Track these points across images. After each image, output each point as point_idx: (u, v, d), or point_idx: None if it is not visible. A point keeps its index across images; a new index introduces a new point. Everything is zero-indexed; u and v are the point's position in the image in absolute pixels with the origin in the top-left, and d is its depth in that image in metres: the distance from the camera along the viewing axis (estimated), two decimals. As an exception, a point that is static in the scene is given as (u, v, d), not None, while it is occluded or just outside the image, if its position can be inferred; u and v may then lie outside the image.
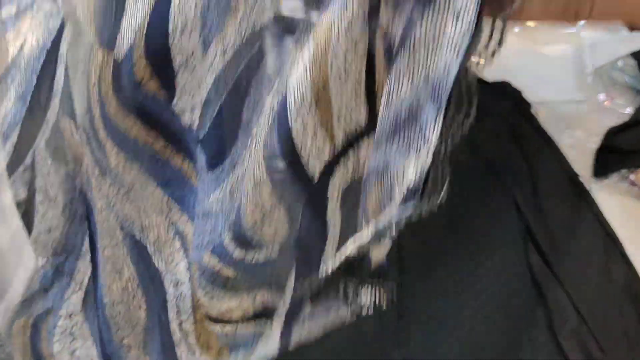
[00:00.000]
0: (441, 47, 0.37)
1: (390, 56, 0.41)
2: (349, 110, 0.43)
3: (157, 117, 0.48)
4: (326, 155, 0.45)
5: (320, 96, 0.43)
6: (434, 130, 0.39)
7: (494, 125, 0.74)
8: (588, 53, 1.34)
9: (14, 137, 0.53)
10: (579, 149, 1.23)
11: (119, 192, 0.49)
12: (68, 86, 0.52)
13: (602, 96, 1.33)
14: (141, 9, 0.47)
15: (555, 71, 1.35)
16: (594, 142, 1.25)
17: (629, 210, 1.16)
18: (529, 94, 1.21)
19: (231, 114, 0.47)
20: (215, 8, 0.45)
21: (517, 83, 1.23)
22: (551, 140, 1.20)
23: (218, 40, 0.45)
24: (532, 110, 1.22)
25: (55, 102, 0.53)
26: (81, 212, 0.52)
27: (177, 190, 0.49)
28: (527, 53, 1.31)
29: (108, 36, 0.49)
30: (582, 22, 1.41)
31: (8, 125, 0.52)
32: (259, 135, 0.46)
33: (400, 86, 0.40)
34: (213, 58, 0.46)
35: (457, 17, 0.37)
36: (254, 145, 0.46)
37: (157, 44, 0.47)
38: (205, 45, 0.46)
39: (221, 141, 0.47)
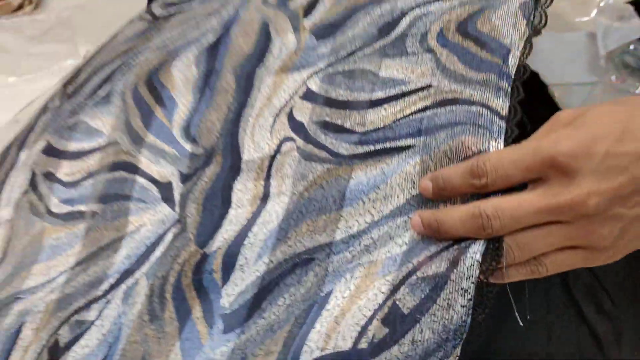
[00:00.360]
0: (455, 309, 0.51)
1: (396, 320, 0.53)
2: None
3: (209, 296, 0.63)
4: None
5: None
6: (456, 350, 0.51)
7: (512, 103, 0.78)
8: (601, 38, 1.37)
9: (110, 280, 0.69)
10: (592, 126, 1.27)
11: (156, 336, 0.62)
12: (157, 257, 0.67)
13: (613, 78, 1.36)
14: (233, 229, 0.65)
15: (570, 55, 1.39)
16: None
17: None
18: (545, 76, 1.25)
19: (256, 303, 0.61)
20: (274, 236, 0.62)
21: (534, 66, 1.26)
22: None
23: (268, 255, 0.62)
24: (548, 91, 1.25)
25: (146, 266, 0.68)
26: (111, 340, 0.63)
27: (188, 344, 0.61)
28: (544, 38, 1.34)
29: (203, 240, 0.66)
30: (595, 11, 1.44)
31: (115, 271, 0.68)
32: (268, 317, 0.60)
33: (423, 335, 0.51)
34: (259, 266, 0.62)
35: (464, 294, 0.51)
36: (261, 325, 0.60)
37: (233, 252, 0.64)
38: (259, 256, 0.62)
39: (240, 320, 0.61)
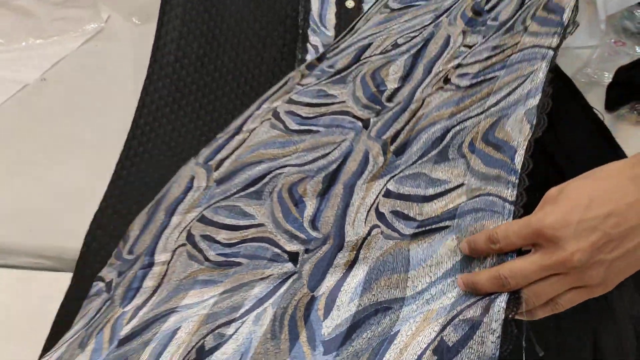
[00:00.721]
0: (487, 344, 0.66)
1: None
2: None
3: (312, 326, 0.80)
4: None
5: None
6: None
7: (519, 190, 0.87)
8: (601, 2, 1.39)
9: (246, 307, 0.87)
10: (592, 86, 1.30)
11: (274, 351, 0.80)
12: (280, 293, 0.86)
13: (613, 41, 1.39)
14: (333, 279, 0.85)
15: (572, 19, 1.41)
16: (606, 80, 1.32)
17: (637, 137, 1.24)
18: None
19: (348, 334, 0.78)
20: (361, 285, 0.81)
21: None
22: (568, 79, 1.29)
23: (357, 300, 0.80)
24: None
25: (272, 299, 0.86)
26: (243, 351, 0.81)
27: None
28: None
29: (313, 285, 0.85)
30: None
31: (250, 301, 0.87)
32: (355, 346, 0.77)
33: None
34: (351, 307, 0.80)
35: (493, 333, 0.66)
36: (350, 352, 0.77)
37: (333, 297, 0.82)
38: (351, 300, 0.81)
39: (336, 345, 0.78)
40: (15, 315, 1.01)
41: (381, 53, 1.16)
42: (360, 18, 1.30)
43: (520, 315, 0.70)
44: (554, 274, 0.69)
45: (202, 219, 0.98)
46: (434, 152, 0.89)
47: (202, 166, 1.07)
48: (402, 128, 0.98)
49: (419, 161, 0.90)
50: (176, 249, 0.96)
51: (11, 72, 1.40)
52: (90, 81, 1.40)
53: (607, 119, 1.25)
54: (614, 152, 1.20)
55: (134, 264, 0.96)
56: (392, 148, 0.96)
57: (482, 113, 0.88)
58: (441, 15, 1.17)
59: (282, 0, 1.41)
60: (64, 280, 1.03)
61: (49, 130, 1.29)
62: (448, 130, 0.89)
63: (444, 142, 0.89)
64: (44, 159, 1.24)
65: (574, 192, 0.70)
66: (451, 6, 1.18)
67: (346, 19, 1.38)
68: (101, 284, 0.97)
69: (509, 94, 0.87)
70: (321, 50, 1.34)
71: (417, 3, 1.24)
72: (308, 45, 1.36)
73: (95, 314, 0.92)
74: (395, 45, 1.16)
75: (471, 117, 0.89)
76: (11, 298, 1.04)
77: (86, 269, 1.04)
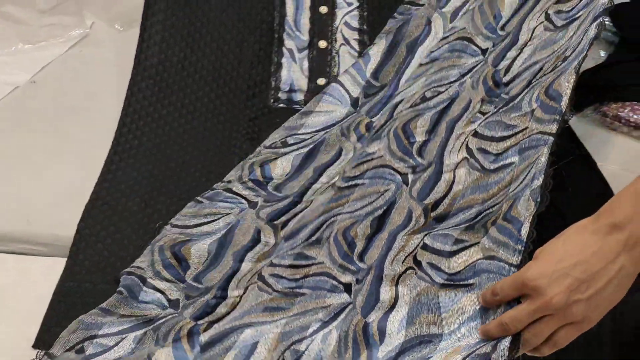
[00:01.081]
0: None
1: None
2: None
3: (372, 349, 0.98)
4: None
5: None
6: None
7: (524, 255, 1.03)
8: None
9: (313, 328, 1.04)
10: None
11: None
12: (341, 319, 1.04)
13: None
14: (380, 312, 1.03)
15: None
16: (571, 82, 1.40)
17: (600, 137, 1.35)
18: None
19: (395, 359, 0.96)
20: (405, 319, 1.01)
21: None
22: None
23: (404, 331, 0.99)
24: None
25: (334, 323, 1.04)
26: None
27: None
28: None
29: (365, 313, 1.03)
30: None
31: (316, 323, 1.04)
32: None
33: None
34: (400, 337, 0.98)
35: None
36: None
37: (382, 325, 1.00)
38: (399, 331, 0.99)
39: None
40: (14, 297, 1.11)
41: (411, 106, 1.32)
42: (397, 75, 1.44)
43: (530, 352, 0.90)
44: (544, 315, 0.86)
45: (271, 264, 1.14)
46: (464, 225, 1.09)
47: (267, 223, 1.22)
48: (442, 199, 1.16)
49: (452, 228, 1.10)
50: (248, 286, 1.12)
51: (2, 75, 1.50)
52: (77, 83, 1.49)
53: (572, 119, 1.34)
54: (579, 152, 1.29)
55: (205, 294, 1.12)
56: (432, 214, 1.14)
57: (504, 198, 1.08)
58: (465, 74, 1.34)
59: (259, 6, 1.50)
60: (59, 265, 1.15)
61: (41, 129, 1.38)
62: (480, 214, 1.08)
63: (475, 221, 1.08)
64: (38, 155, 1.33)
65: (549, 250, 0.89)
66: (474, 67, 1.35)
67: (320, 24, 1.48)
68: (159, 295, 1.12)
69: (522, 180, 1.06)
70: (296, 53, 1.45)
71: (441, 56, 1.40)
72: (283, 48, 1.46)
73: (157, 320, 1.08)
74: (424, 99, 1.32)
75: (497, 204, 1.08)
76: (11, 281, 1.13)
77: (79, 255, 1.15)
